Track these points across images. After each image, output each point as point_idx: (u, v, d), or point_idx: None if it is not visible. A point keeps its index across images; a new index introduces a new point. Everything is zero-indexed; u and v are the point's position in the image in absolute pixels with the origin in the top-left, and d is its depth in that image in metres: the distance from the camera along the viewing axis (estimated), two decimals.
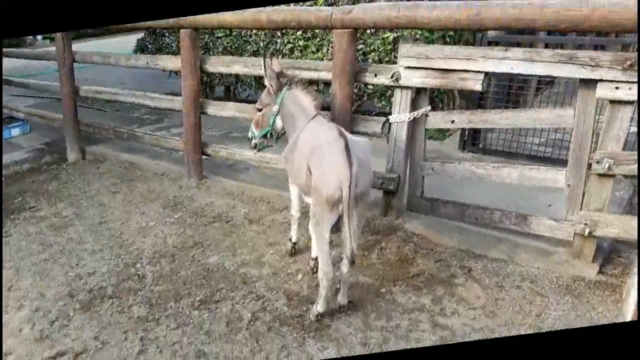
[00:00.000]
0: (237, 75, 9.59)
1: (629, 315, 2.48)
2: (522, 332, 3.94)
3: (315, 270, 4.72)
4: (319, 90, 7.74)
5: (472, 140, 7.24)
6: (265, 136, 4.85)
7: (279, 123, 4.73)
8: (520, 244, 4.89)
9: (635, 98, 4.16)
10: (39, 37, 23.54)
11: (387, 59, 7.40)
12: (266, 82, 4.67)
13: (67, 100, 8.14)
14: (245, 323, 4.27)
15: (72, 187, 7.22)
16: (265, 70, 4.63)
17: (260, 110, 4.81)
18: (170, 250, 5.43)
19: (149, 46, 11.25)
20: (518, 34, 6.84)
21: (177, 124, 9.15)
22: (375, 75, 5.33)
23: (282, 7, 5.74)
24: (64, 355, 4.07)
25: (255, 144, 4.96)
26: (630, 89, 4.14)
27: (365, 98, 8.21)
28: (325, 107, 5.15)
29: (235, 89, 10.87)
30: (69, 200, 6.76)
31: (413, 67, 5.04)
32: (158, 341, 4.15)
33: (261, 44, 8.87)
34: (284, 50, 8.43)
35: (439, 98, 8.17)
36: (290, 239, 5.18)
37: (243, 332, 4.17)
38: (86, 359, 4.03)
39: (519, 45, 6.17)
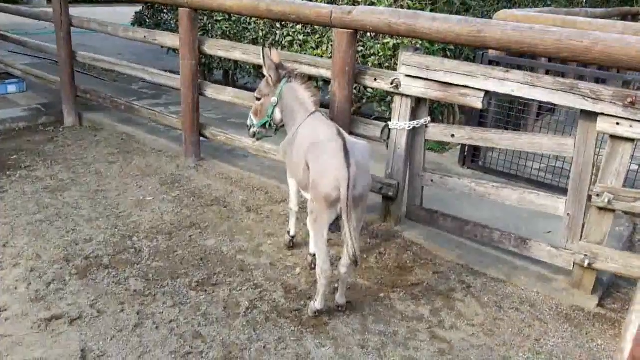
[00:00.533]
0: (236, 61, 9.52)
1: (626, 353, 2.52)
2: (521, 355, 3.99)
3: (313, 266, 4.74)
4: (318, 88, 7.74)
5: (472, 157, 7.30)
6: (264, 126, 4.86)
7: (277, 115, 4.73)
8: (519, 267, 4.95)
9: (637, 136, 4.20)
10: None
11: (387, 64, 7.41)
12: (265, 72, 4.67)
13: (64, 64, 8.05)
14: (242, 310, 4.27)
15: (69, 151, 7.17)
16: (264, 60, 4.62)
17: (259, 99, 4.80)
18: (167, 227, 5.41)
19: (147, 20, 11.15)
20: (519, 57, 6.90)
21: (175, 102, 9.06)
22: (375, 79, 5.35)
23: None
24: (60, 318, 4.05)
25: (254, 133, 4.96)
26: (631, 126, 4.17)
27: (364, 101, 8.22)
28: (324, 105, 5.15)
29: (234, 74, 10.80)
30: (65, 164, 6.70)
31: (413, 76, 5.06)
32: (154, 317, 4.13)
33: (260, 33, 8.80)
34: (283, 43, 8.39)
35: (438, 111, 8.22)
36: (289, 232, 5.19)
37: (240, 318, 4.17)
38: (82, 325, 4.00)
39: (519, 68, 6.23)
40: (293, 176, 4.69)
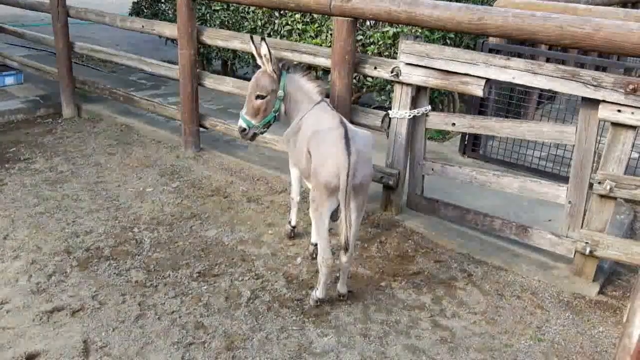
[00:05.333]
0: (234, 51, 9.46)
1: (634, 338, 2.52)
2: (523, 342, 4.00)
3: (314, 255, 4.73)
4: (318, 77, 7.69)
5: (473, 146, 7.28)
6: (268, 124, 4.61)
7: (282, 107, 4.64)
8: (520, 255, 4.95)
9: (639, 123, 4.17)
10: None
11: (386, 53, 7.35)
12: (268, 68, 4.45)
13: (61, 55, 8.00)
14: (244, 300, 4.27)
15: (68, 143, 7.15)
16: (268, 54, 4.44)
17: (264, 97, 4.47)
18: (167, 218, 5.40)
19: (145, 10, 11.04)
20: (519, 45, 6.87)
21: (173, 93, 9.02)
22: (375, 68, 5.32)
23: None
24: (62, 310, 4.05)
25: (254, 134, 4.67)
26: (632, 113, 4.15)
27: (364, 90, 8.18)
28: (326, 95, 5.11)
29: (233, 64, 10.74)
30: (64, 156, 6.69)
31: (414, 64, 5.04)
32: (156, 308, 4.13)
33: (259, 22, 8.68)
34: (282, 32, 8.31)
35: (438, 99, 8.19)
36: (290, 222, 5.17)
37: (242, 309, 4.17)
38: (84, 316, 4.00)
39: (519, 56, 6.20)
40: (296, 165, 4.66)
